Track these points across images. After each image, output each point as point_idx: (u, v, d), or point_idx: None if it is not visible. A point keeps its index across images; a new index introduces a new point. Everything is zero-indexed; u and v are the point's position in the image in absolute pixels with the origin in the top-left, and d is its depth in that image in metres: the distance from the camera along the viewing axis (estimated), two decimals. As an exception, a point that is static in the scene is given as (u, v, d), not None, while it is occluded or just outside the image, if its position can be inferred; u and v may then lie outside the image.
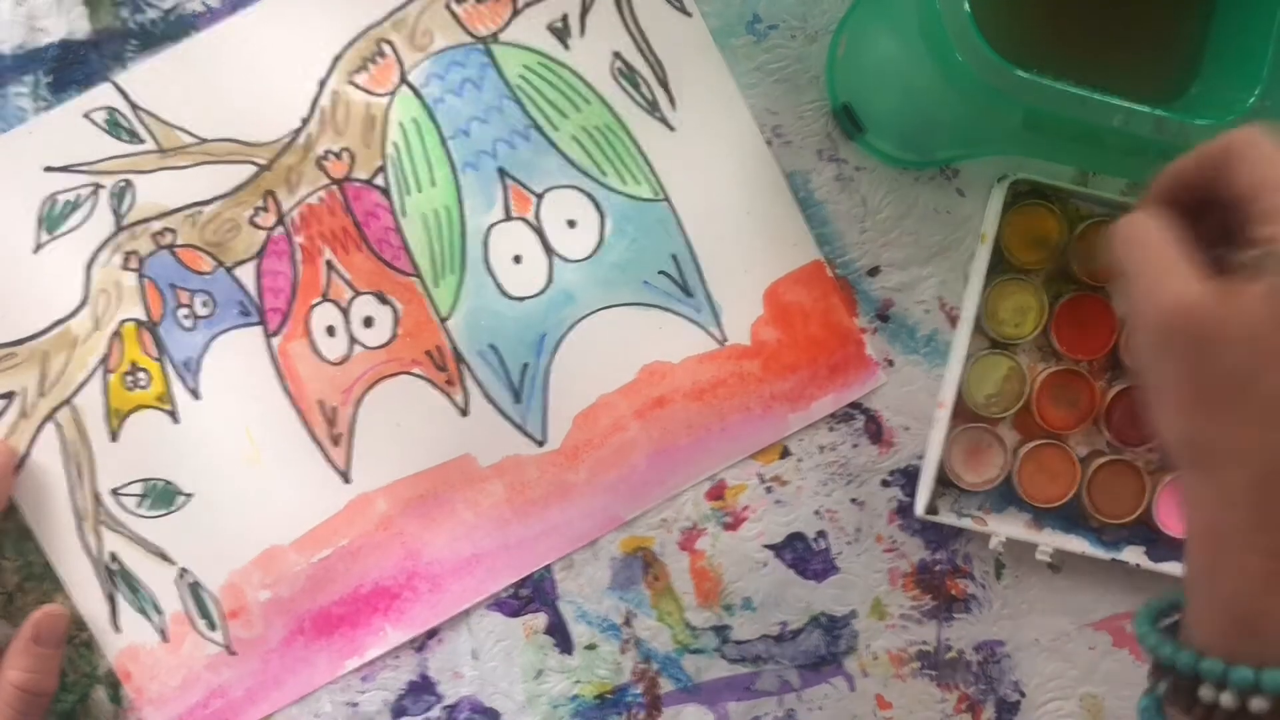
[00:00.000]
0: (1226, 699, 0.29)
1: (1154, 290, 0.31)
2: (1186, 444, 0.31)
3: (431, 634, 0.49)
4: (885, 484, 0.50)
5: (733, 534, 0.50)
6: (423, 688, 0.49)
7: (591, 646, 0.50)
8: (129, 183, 0.48)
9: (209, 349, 0.48)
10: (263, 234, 0.48)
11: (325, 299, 0.48)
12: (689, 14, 0.49)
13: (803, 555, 0.50)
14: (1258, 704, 0.29)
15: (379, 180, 0.48)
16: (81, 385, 0.48)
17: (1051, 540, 0.49)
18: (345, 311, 0.48)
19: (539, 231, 0.49)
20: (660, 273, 0.49)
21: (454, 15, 0.48)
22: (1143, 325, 0.32)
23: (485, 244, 0.49)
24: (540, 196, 0.49)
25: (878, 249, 0.50)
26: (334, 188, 0.48)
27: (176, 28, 0.47)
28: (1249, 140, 0.31)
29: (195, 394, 0.48)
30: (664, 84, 0.49)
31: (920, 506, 0.49)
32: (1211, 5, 0.41)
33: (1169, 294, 0.30)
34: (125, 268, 0.48)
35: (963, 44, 0.35)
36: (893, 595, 0.51)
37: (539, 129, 0.49)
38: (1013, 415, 0.50)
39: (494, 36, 0.48)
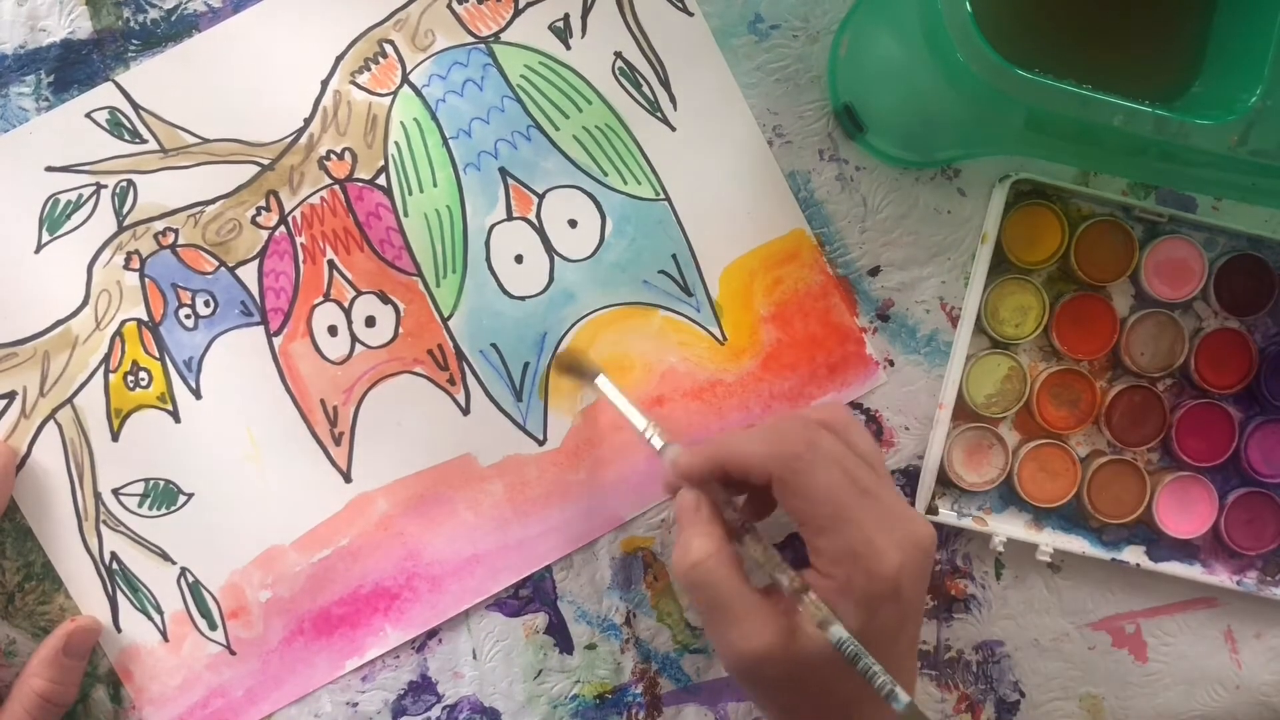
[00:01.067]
0: None
1: (727, 638, 0.38)
2: None
3: (431, 634, 0.49)
4: (886, 484, 0.50)
5: (733, 534, 0.50)
6: (423, 688, 0.49)
7: (591, 646, 0.50)
8: (131, 182, 0.48)
9: (210, 349, 0.48)
10: (265, 234, 0.48)
11: (327, 299, 0.48)
12: (690, 14, 0.49)
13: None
14: None
15: (381, 180, 0.48)
16: (83, 385, 0.48)
17: (1051, 540, 0.49)
18: (347, 311, 0.48)
19: (540, 231, 0.49)
20: (660, 272, 0.49)
21: (455, 15, 0.48)
22: (723, 661, 0.39)
23: (487, 244, 0.49)
24: (541, 196, 0.49)
25: (878, 249, 0.50)
26: (336, 188, 0.48)
27: (178, 27, 0.48)
28: (799, 466, 0.38)
29: (196, 394, 0.48)
30: (665, 84, 0.49)
31: (920, 506, 0.49)
32: (1212, 5, 0.41)
33: (740, 644, 0.37)
34: (127, 267, 0.48)
35: (964, 44, 0.35)
36: (893, 595, 0.51)
37: (540, 129, 0.49)
38: (1013, 415, 0.50)
39: (495, 36, 0.48)
